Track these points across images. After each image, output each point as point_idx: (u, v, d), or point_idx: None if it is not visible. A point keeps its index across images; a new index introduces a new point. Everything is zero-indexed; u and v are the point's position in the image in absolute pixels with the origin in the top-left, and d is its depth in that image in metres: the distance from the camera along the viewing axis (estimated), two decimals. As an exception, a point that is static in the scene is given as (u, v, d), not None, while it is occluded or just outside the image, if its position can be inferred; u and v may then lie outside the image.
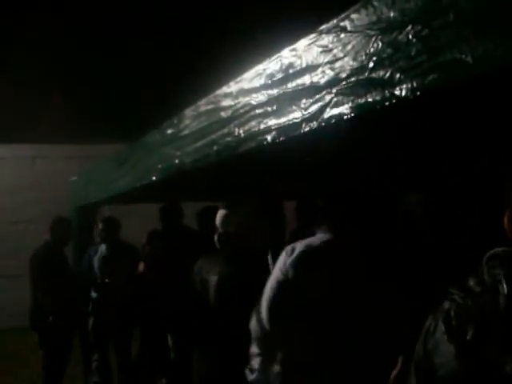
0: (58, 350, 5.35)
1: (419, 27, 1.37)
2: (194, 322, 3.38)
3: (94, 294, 5.74)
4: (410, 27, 1.39)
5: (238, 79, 2.26)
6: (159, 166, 3.06)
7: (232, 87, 2.31)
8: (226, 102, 2.34)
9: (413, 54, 1.39)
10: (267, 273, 2.63)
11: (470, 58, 1.24)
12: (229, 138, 2.29)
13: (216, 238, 3.33)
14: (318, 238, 2.53)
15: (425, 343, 1.37)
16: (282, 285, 2.47)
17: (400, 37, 1.42)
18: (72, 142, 10.79)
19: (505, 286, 1.21)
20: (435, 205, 3.11)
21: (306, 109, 1.80)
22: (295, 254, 2.44)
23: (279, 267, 2.48)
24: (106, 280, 5.56)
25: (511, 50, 1.15)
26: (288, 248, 2.50)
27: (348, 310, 2.36)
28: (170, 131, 2.95)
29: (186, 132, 2.73)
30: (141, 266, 5.12)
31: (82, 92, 10.41)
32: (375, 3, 1.50)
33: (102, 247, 5.79)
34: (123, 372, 5.75)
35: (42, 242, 5.62)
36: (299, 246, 2.49)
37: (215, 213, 4.35)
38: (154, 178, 3.14)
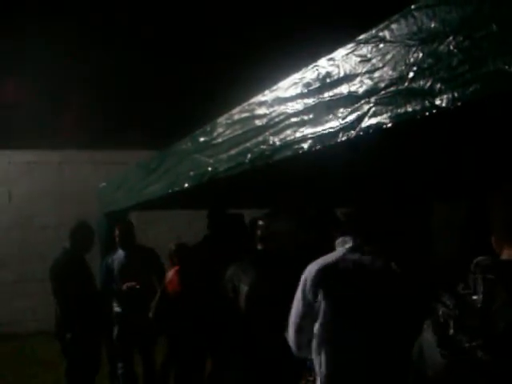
0: (83, 359, 5.28)
1: (461, 38, 1.38)
2: (226, 331, 3.40)
3: (116, 303, 5.72)
4: (451, 38, 1.40)
5: (274, 88, 2.28)
6: (191, 173, 3.09)
7: (267, 96, 2.33)
8: (261, 111, 2.36)
9: (454, 64, 1.40)
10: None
11: (513, 68, 1.25)
12: (263, 146, 2.31)
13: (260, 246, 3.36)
14: (335, 254, 2.57)
15: (421, 344, 1.56)
16: (305, 307, 2.53)
17: (441, 47, 1.43)
18: (99, 147, 10.92)
19: (481, 291, 1.44)
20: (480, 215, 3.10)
21: (343, 118, 1.81)
22: (313, 274, 2.49)
23: (301, 289, 2.54)
24: (127, 287, 5.46)
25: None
26: (307, 269, 2.55)
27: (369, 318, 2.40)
28: (202, 139, 2.98)
29: (219, 140, 2.76)
30: (170, 274, 5.13)
31: (109, 97, 10.51)
32: (415, 14, 1.51)
33: (120, 254, 5.71)
34: (149, 379, 5.77)
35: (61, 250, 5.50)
36: (316, 265, 2.53)
37: (241, 220, 4.37)
38: (186, 185, 3.16)
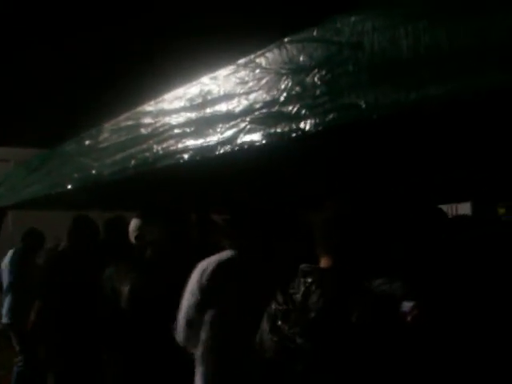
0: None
1: (323, 72, 1.59)
2: (107, 329, 3.46)
3: None
4: (316, 71, 1.61)
5: (159, 99, 2.41)
6: (76, 175, 3.12)
7: (152, 106, 2.45)
8: (146, 120, 2.47)
9: (317, 94, 1.60)
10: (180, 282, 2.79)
11: (363, 102, 1.47)
12: (147, 154, 2.42)
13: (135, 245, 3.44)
14: (225, 254, 2.75)
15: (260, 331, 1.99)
16: (199, 302, 2.67)
17: (307, 78, 1.64)
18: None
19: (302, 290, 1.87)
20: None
21: (221, 133, 1.98)
22: (209, 272, 2.65)
23: (194, 286, 2.68)
24: None
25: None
26: (199, 267, 2.71)
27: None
28: (88, 142, 3.03)
29: (104, 144, 2.83)
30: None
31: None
32: (288, 46, 1.71)
33: None
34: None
35: None
36: (210, 264, 2.70)
37: (122, 222, 4.43)
38: (69, 187, 3.19)
